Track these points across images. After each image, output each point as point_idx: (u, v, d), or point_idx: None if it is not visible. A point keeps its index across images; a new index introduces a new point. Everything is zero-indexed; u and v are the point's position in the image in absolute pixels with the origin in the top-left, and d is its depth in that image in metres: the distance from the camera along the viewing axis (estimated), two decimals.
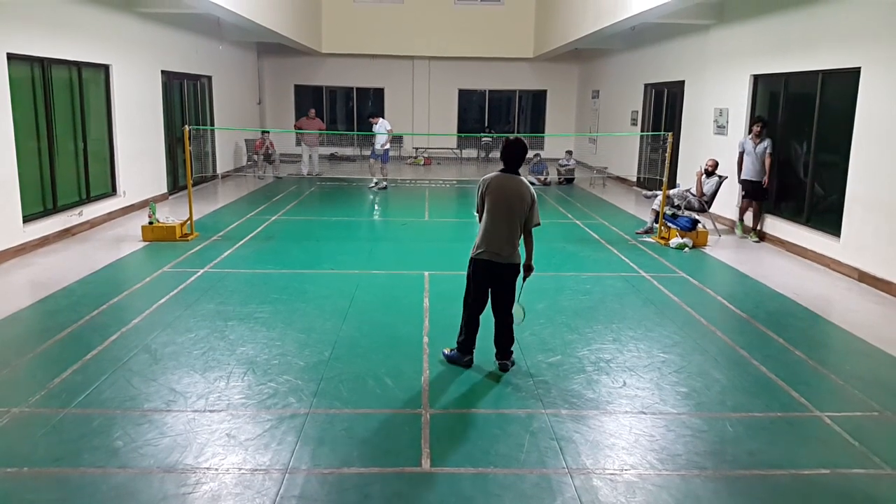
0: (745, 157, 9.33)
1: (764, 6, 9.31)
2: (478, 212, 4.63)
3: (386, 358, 4.98)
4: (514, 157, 4.52)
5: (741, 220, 9.77)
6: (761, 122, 9.22)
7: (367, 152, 16.87)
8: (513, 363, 4.83)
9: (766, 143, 9.17)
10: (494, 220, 4.50)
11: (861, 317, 6.18)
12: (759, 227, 9.47)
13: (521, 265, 4.63)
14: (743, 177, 9.46)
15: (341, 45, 19.13)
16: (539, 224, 4.60)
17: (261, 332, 5.45)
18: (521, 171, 4.67)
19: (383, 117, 14.85)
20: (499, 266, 4.55)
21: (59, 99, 8.77)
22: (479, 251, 4.58)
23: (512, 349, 4.82)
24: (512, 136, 4.64)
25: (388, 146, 13.92)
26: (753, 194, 9.38)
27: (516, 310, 4.76)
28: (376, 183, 13.99)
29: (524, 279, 4.68)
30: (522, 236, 4.61)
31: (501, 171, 4.58)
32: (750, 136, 9.33)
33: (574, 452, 3.70)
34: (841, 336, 5.75)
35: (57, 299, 6.23)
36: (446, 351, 4.91)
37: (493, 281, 4.61)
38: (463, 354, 4.78)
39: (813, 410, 4.26)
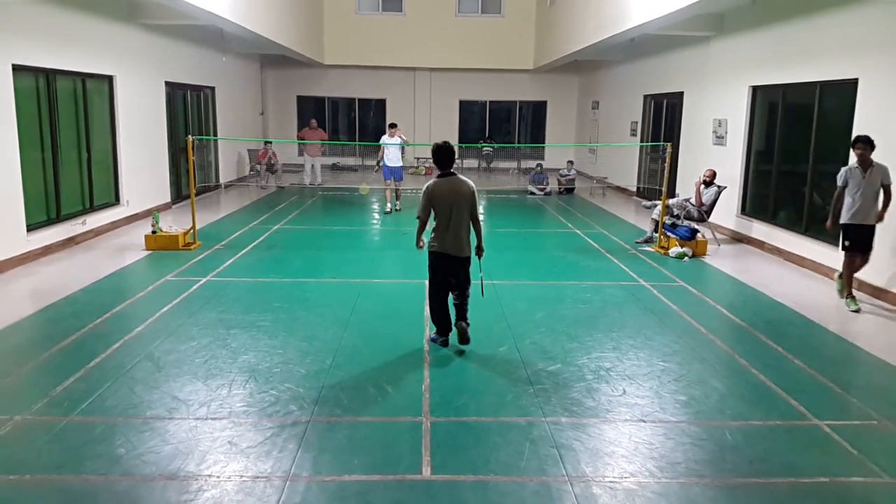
0: (848, 191, 6.55)
1: (763, 18, 9.39)
2: (420, 216, 5.24)
3: (387, 366, 5.01)
4: (445, 158, 5.12)
5: (849, 289, 6.78)
6: (866, 141, 6.40)
7: (371, 162, 16.45)
8: (467, 323, 5.38)
9: (882, 168, 6.45)
10: (446, 220, 5.09)
11: (860, 326, 6.21)
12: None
13: (474, 249, 5.31)
14: (848, 220, 6.58)
15: (343, 57, 19.26)
16: (480, 215, 5.25)
17: (263, 340, 5.48)
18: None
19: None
20: (454, 259, 5.20)
21: (63, 109, 8.85)
22: (436, 247, 5.21)
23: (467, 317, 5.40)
24: (440, 142, 5.24)
25: (400, 162, 12.09)
26: (863, 242, 6.60)
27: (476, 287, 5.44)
28: (392, 208, 12.28)
29: (479, 258, 5.36)
30: (472, 224, 5.21)
31: (440, 175, 5.15)
32: (855, 164, 6.52)
33: (574, 460, 3.72)
34: (840, 345, 5.78)
35: (60, 308, 6.26)
36: (431, 335, 5.46)
37: (450, 270, 5.25)
38: (440, 335, 5.40)
39: (812, 419, 4.28)
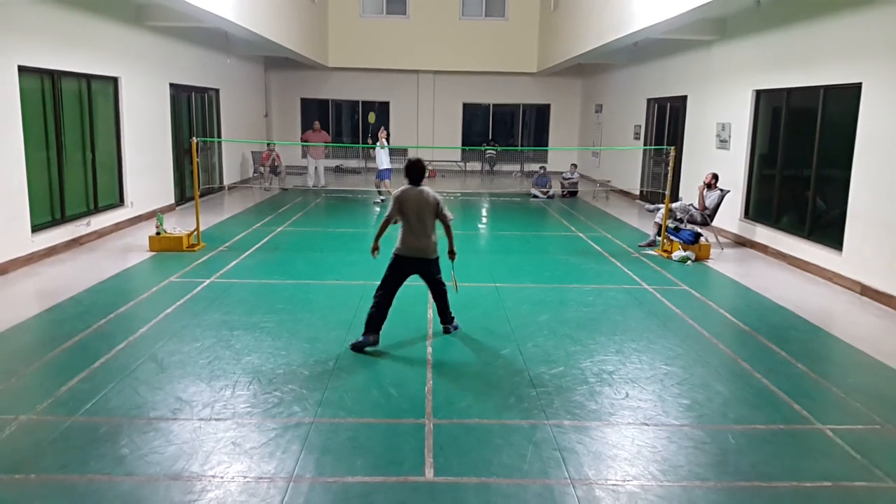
0: None
1: (766, 22, 9.40)
2: (389, 217, 5.46)
3: (390, 368, 5.03)
4: (415, 173, 5.44)
5: None
6: None
7: (374, 165, 16.96)
8: (455, 328, 5.78)
9: None
10: (412, 225, 5.35)
11: (863, 330, 6.20)
12: None
13: (447, 253, 5.62)
14: None
15: (347, 59, 19.32)
16: (451, 218, 5.52)
17: (266, 341, 5.50)
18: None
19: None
20: (422, 261, 5.45)
21: (68, 111, 8.89)
22: (403, 250, 5.41)
23: (452, 315, 5.78)
24: (413, 158, 5.56)
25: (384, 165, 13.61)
26: None
27: (450, 285, 5.72)
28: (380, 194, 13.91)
29: (452, 261, 5.68)
30: (444, 229, 5.52)
31: (408, 185, 5.46)
32: None
33: (576, 463, 3.73)
34: (843, 349, 5.77)
35: (64, 308, 6.29)
36: (356, 341, 5.35)
37: (419, 270, 5.49)
38: (369, 334, 5.32)
39: (815, 423, 4.28)
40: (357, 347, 5.31)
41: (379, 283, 5.47)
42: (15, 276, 7.40)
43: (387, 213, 5.46)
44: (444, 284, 5.65)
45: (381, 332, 5.40)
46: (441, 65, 19.67)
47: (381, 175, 13.64)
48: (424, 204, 5.37)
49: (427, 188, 5.50)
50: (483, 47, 19.38)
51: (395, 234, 5.53)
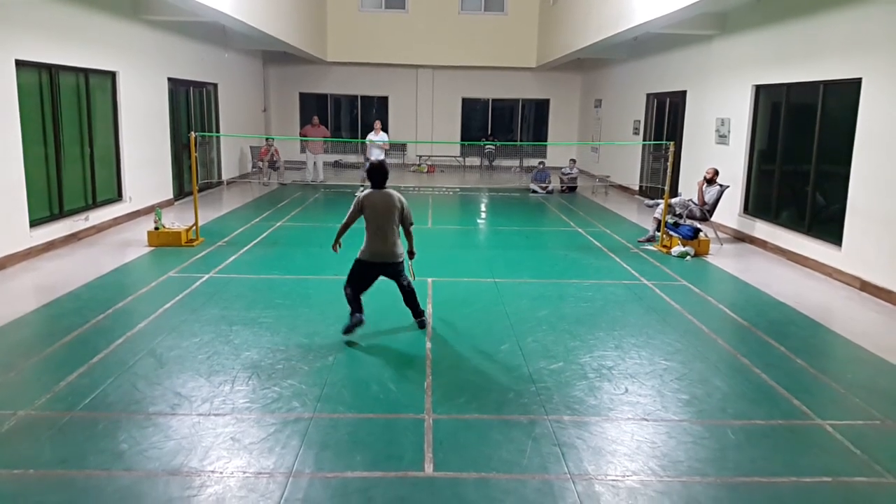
0: None
1: (766, 17, 9.37)
2: (348, 220, 5.50)
3: (389, 363, 5.02)
4: (378, 177, 5.46)
5: None
6: None
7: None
8: (423, 323, 5.75)
9: None
10: (376, 228, 5.40)
11: (862, 326, 6.20)
12: None
13: (406, 253, 5.62)
14: None
15: (346, 54, 19.26)
16: (412, 223, 5.57)
17: (265, 336, 5.49)
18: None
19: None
20: (385, 265, 5.48)
21: (66, 105, 8.85)
22: (366, 255, 5.47)
23: (421, 308, 5.76)
24: (375, 161, 5.60)
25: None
26: None
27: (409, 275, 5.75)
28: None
29: (410, 261, 5.70)
30: (404, 232, 5.57)
31: (372, 188, 5.49)
32: None
33: (576, 458, 3.73)
34: (842, 345, 5.77)
35: (63, 303, 6.27)
36: (344, 328, 5.47)
37: (384, 273, 5.54)
38: (354, 313, 5.44)
39: (814, 418, 4.28)
40: (348, 330, 5.41)
41: (348, 280, 5.57)
42: (13, 270, 7.38)
43: (347, 216, 5.48)
44: (408, 280, 5.68)
45: (378, 325, 5.39)
46: (440, 59, 19.61)
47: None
48: (391, 206, 5.40)
49: (392, 191, 5.48)
50: (482, 42, 19.32)
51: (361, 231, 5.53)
